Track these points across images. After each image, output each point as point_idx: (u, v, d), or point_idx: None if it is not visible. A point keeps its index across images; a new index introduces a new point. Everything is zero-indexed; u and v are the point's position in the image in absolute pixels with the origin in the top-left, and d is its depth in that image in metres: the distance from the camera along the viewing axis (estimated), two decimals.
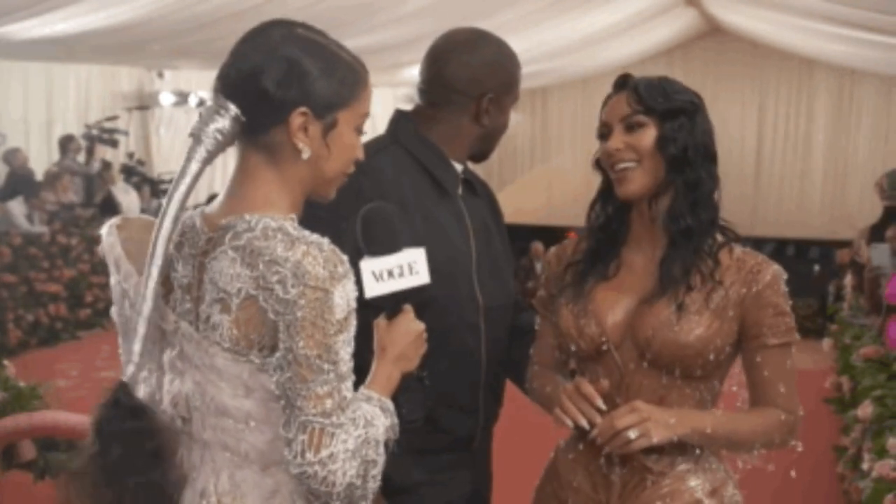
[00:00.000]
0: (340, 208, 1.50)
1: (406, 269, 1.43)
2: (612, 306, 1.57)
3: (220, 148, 1.27)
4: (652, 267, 1.57)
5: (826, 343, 5.48)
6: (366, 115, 1.32)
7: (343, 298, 1.19)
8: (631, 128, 1.56)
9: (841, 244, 7.30)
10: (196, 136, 1.26)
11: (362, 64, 1.32)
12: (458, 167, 1.80)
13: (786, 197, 12.22)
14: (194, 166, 1.26)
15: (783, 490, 4.32)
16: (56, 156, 8.81)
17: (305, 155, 1.26)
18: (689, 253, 1.54)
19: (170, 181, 1.36)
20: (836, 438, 4.50)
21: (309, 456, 1.20)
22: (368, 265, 1.41)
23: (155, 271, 1.24)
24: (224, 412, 1.26)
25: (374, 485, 1.26)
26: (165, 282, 1.32)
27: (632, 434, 1.45)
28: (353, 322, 1.22)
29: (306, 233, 1.22)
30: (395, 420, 1.35)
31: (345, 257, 1.22)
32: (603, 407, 1.49)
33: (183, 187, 1.25)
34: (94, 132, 8.82)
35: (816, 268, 8.33)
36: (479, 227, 1.81)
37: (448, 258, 1.70)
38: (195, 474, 1.30)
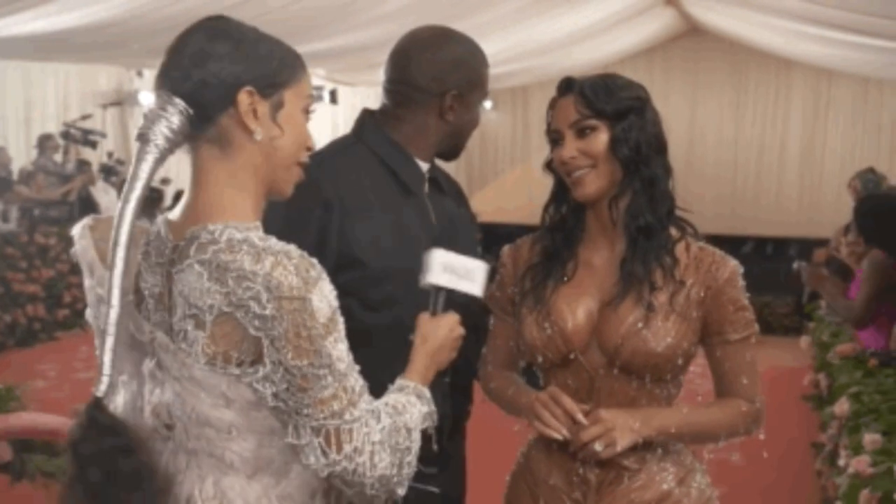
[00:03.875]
0: (298, 208, 1.48)
1: (467, 273, 1.52)
2: (574, 310, 1.59)
3: (170, 147, 1.24)
4: (611, 265, 1.59)
5: (804, 340, 5.52)
6: (310, 96, 1.32)
7: (323, 301, 1.18)
8: (582, 132, 1.57)
9: (819, 242, 7.36)
10: (144, 137, 1.23)
11: (297, 51, 1.32)
12: (424, 166, 1.79)
13: (763, 196, 12.33)
14: (146, 167, 1.23)
15: (762, 487, 4.36)
16: (35, 155, 8.74)
17: (258, 136, 1.24)
18: (649, 250, 1.56)
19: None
20: (814, 435, 4.54)
21: (333, 455, 1.20)
22: (440, 255, 1.51)
23: (117, 279, 1.21)
24: (206, 422, 1.24)
25: (409, 471, 1.28)
26: (136, 291, 1.30)
27: (598, 447, 1.49)
28: (340, 318, 1.21)
29: (272, 241, 1.20)
30: (433, 407, 1.37)
31: (314, 260, 1.20)
32: (585, 422, 1.51)
33: (136, 191, 1.23)
34: (73, 131, 8.75)
35: (794, 266, 8.40)
36: (447, 227, 1.79)
37: (412, 258, 1.69)
38: (181, 478, 1.29)
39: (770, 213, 11.85)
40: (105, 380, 1.21)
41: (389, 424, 1.26)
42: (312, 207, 1.63)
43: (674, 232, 1.59)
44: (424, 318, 1.49)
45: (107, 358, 1.21)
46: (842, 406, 3.64)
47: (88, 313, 1.35)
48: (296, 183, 1.34)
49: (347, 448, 1.20)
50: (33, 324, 7.32)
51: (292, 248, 1.19)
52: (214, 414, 1.23)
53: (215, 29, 1.26)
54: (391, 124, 1.77)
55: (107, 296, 1.21)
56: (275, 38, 1.30)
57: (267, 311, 1.15)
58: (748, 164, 12.47)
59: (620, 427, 1.50)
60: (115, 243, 1.21)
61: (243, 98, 1.23)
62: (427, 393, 1.38)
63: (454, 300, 1.54)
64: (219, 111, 1.24)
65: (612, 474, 1.58)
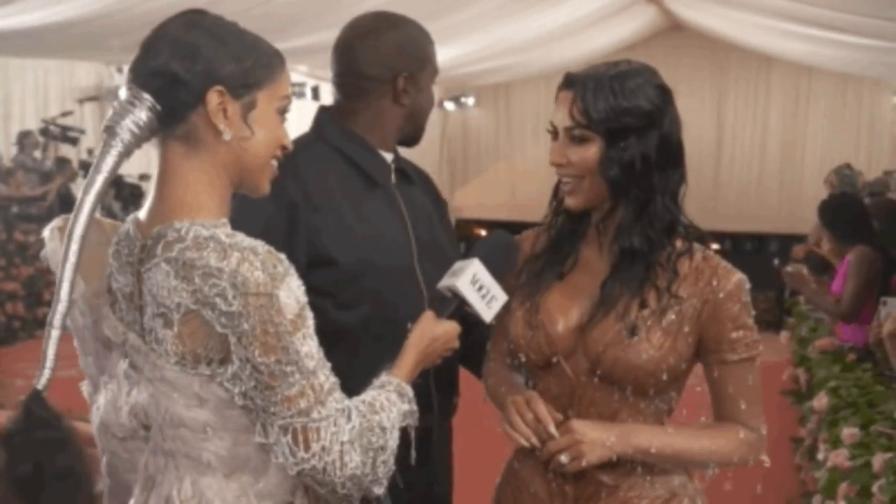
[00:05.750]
0: (263, 211, 1.46)
1: (489, 297, 1.49)
2: (564, 313, 1.51)
3: (137, 141, 1.23)
4: (605, 270, 1.50)
5: (784, 335, 5.57)
6: (286, 97, 1.29)
7: (290, 297, 1.16)
8: (575, 140, 1.45)
9: (800, 238, 7.42)
10: (111, 130, 1.22)
11: (277, 50, 1.30)
12: (389, 156, 1.78)
13: (744, 192, 12.40)
14: (110, 160, 1.22)
15: (741, 481, 4.38)
16: (14, 152, 8.66)
17: (227, 136, 1.22)
18: (635, 272, 1.46)
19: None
20: (794, 430, 4.57)
21: (301, 454, 1.19)
22: (478, 268, 1.47)
23: (68, 272, 1.19)
24: (180, 423, 1.23)
25: (385, 470, 1.26)
26: (110, 292, 1.29)
27: (563, 458, 1.43)
28: (309, 314, 1.20)
29: (239, 238, 1.19)
30: (414, 406, 1.35)
31: (282, 256, 1.19)
32: (555, 434, 1.44)
33: (98, 183, 1.21)
34: (52, 128, 8.67)
35: (776, 261, 8.47)
36: (418, 216, 1.78)
37: (386, 251, 1.69)
38: (160, 479, 1.28)
39: (750, 209, 11.91)
40: (46, 373, 1.20)
41: (361, 423, 1.24)
42: (278, 210, 1.61)
43: (679, 244, 1.48)
44: (429, 316, 1.46)
45: (50, 351, 1.20)
46: (820, 400, 3.67)
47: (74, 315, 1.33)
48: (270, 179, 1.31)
49: (315, 447, 1.19)
50: (13, 322, 7.26)
51: (259, 245, 1.18)
52: (188, 414, 1.22)
53: (191, 24, 1.24)
54: (348, 118, 1.76)
55: (56, 288, 1.20)
56: (254, 35, 1.28)
57: (233, 308, 1.14)
58: (729, 161, 12.53)
59: (591, 441, 1.43)
60: (70, 236, 1.20)
61: (212, 97, 1.21)
62: (409, 391, 1.36)
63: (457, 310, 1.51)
64: (188, 109, 1.22)
65: (590, 489, 1.52)
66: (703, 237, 1.52)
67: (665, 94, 1.47)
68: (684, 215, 1.50)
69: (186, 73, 1.21)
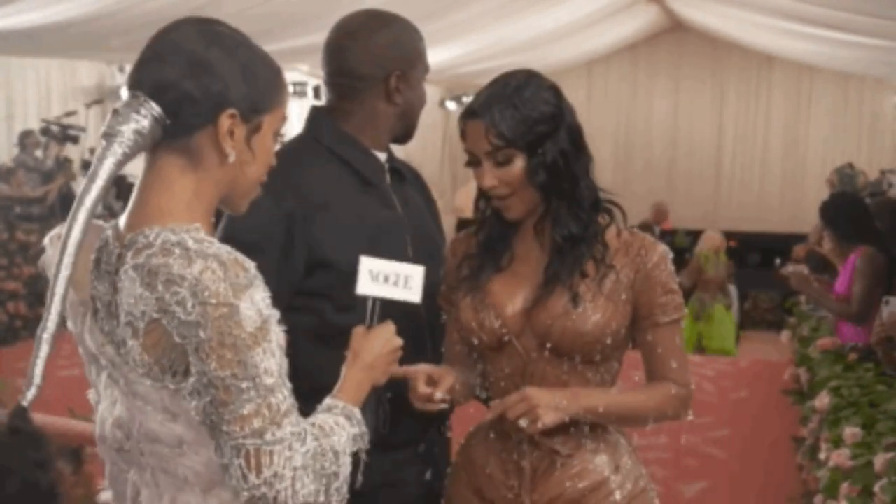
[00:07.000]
0: (261, 213, 1.45)
1: (402, 280, 1.48)
2: (511, 296, 1.62)
3: (137, 150, 1.18)
4: (545, 255, 1.62)
5: (785, 335, 5.56)
6: (285, 119, 1.28)
7: (252, 309, 1.12)
8: (499, 163, 1.57)
9: (800, 238, 7.43)
10: (110, 136, 1.17)
11: (280, 69, 1.27)
12: (382, 156, 1.78)
13: (746, 191, 12.41)
14: (108, 167, 1.16)
15: (743, 481, 4.38)
16: (17, 152, 8.68)
17: (232, 159, 1.20)
18: (576, 256, 1.59)
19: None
20: (795, 429, 4.57)
21: (252, 479, 1.14)
22: (368, 263, 1.46)
23: (62, 283, 1.13)
24: (155, 438, 1.19)
25: (339, 497, 1.22)
26: (93, 301, 1.26)
27: (523, 423, 1.52)
28: (273, 329, 1.15)
29: (206, 243, 1.14)
30: (364, 429, 1.31)
31: (250, 264, 1.14)
32: (439, 397, 1.54)
33: (94, 190, 1.15)
34: (52, 128, 8.68)
35: (777, 261, 8.49)
36: (413, 215, 1.79)
37: (382, 251, 1.66)
38: (140, 498, 1.26)
39: (752, 209, 11.91)
40: (33, 390, 1.14)
41: (315, 448, 1.19)
42: (275, 221, 1.60)
43: (602, 219, 1.62)
44: (358, 333, 1.43)
45: (38, 369, 1.14)
46: (822, 400, 3.66)
47: (70, 323, 1.29)
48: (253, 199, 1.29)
49: (267, 472, 1.14)
50: (14, 321, 7.27)
51: (225, 252, 1.14)
52: (162, 430, 1.18)
53: (207, 38, 1.20)
54: (341, 118, 1.75)
55: (48, 303, 1.14)
56: (263, 52, 1.25)
57: (191, 318, 1.10)
58: (731, 160, 12.54)
59: (545, 405, 1.52)
60: (63, 248, 1.14)
61: (224, 121, 1.19)
62: (357, 414, 1.31)
63: (399, 307, 1.50)
64: (197, 128, 1.19)
65: (546, 462, 1.62)
66: (623, 213, 1.65)
67: (556, 90, 1.61)
68: (601, 188, 1.63)
69: (200, 93, 1.17)
